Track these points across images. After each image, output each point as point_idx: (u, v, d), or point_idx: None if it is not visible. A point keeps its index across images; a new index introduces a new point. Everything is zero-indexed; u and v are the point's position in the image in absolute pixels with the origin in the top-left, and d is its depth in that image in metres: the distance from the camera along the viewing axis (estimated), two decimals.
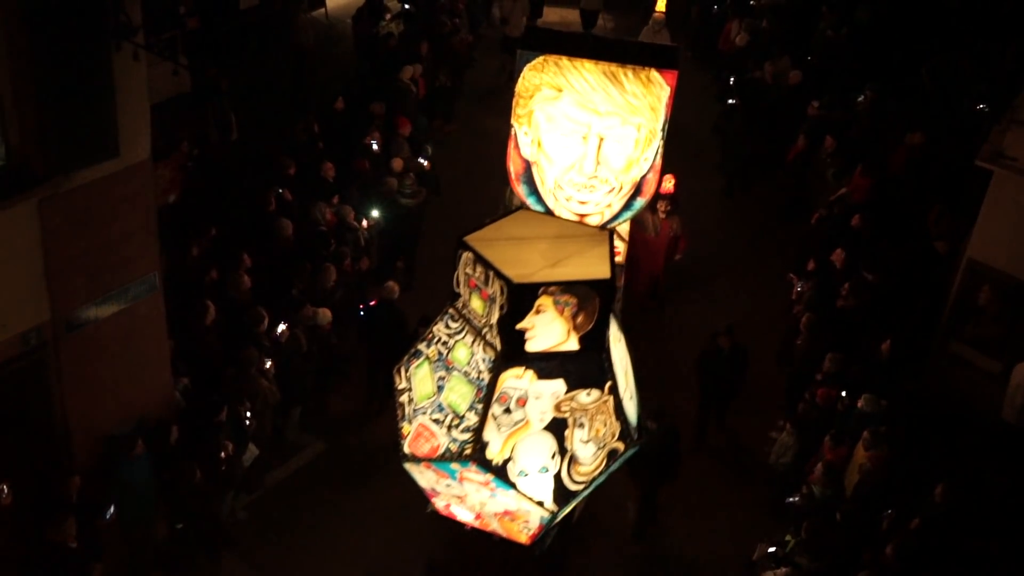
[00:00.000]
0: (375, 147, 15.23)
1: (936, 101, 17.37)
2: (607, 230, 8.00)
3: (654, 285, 15.17)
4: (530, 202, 11.46)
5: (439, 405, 7.61)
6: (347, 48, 19.77)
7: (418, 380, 7.90)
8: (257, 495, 11.97)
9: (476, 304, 7.45)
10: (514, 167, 11.38)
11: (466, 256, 7.44)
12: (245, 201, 13.75)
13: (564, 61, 10.70)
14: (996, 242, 12.93)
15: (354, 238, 13.77)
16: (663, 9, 19.46)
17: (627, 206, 11.25)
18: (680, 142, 18.56)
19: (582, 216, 11.36)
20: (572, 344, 7.35)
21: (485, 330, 7.42)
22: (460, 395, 7.52)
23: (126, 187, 9.88)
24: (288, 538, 11.59)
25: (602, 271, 7.45)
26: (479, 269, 7.31)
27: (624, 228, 12.03)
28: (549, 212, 11.60)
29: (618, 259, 12.23)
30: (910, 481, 11.30)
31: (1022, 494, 11.82)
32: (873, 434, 11.30)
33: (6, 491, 9.46)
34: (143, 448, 10.31)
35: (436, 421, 7.57)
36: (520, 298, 7.09)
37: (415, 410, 7.80)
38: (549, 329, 7.18)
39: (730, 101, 18.88)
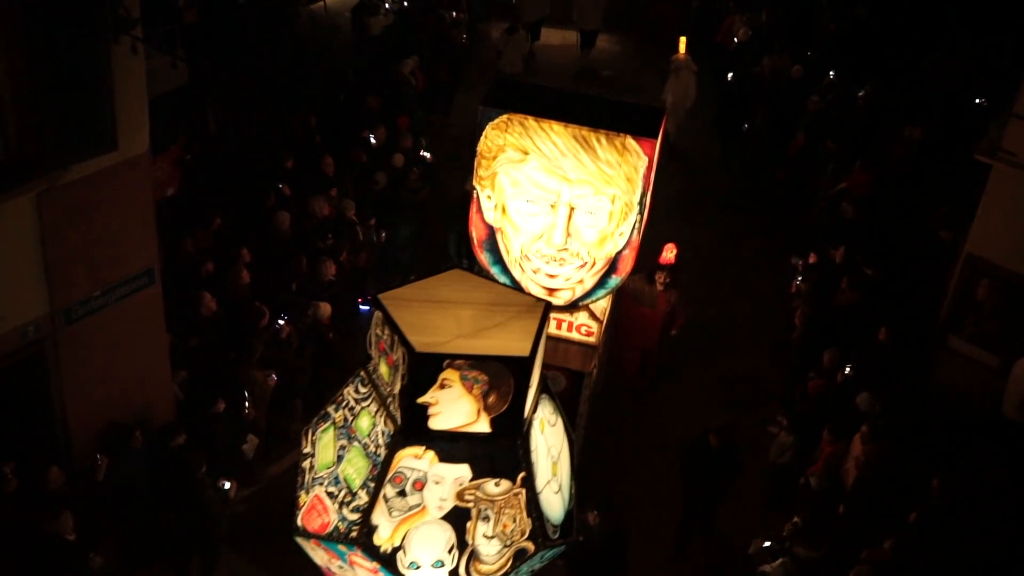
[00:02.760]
0: (372, 140, 15.15)
1: (935, 95, 17.38)
2: (544, 302, 7.00)
3: (645, 363, 13.50)
4: (494, 272, 10.64)
5: (336, 477, 6.85)
6: (346, 41, 19.75)
7: (322, 446, 7.12)
8: (256, 488, 11.99)
9: (383, 370, 6.67)
10: (477, 233, 10.53)
11: (377, 315, 6.66)
12: (243, 194, 13.74)
13: (530, 121, 9.82)
14: (995, 236, 12.71)
15: (351, 232, 13.56)
16: (684, 50, 18.14)
17: (601, 283, 10.44)
18: (678, 137, 18.65)
19: (551, 291, 10.57)
20: (483, 426, 6.45)
21: (389, 400, 6.63)
22: (356, 469, 6.72)
23: (124, 180, 9.72)
24: (286, 531, 11.58)
25: (522, 348, 6.45)
26: (387, 331, 6.52)
27: (598, 306, 11.06)
28: (516, 284, 10.55)
29: (591, 340, 11.13)
30: (908, 475, 11.33)
31: (1020, 487, 11.85)
32: (872, 427, 11.16)
33: (9, 475, 9.30)
34: (141, 440, 10.21)
35: (330, 495, 6.84)
36: (421, 368, 6.22)
37: (314, 479, 7.04)
38: (455, 407, 6.34)
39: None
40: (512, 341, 6.48)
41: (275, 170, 13.91)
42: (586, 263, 10.32)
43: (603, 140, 9.72)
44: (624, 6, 22.16)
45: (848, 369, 12.01)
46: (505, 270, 10.55)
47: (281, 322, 11.71)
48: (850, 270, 13.48)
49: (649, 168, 9.88)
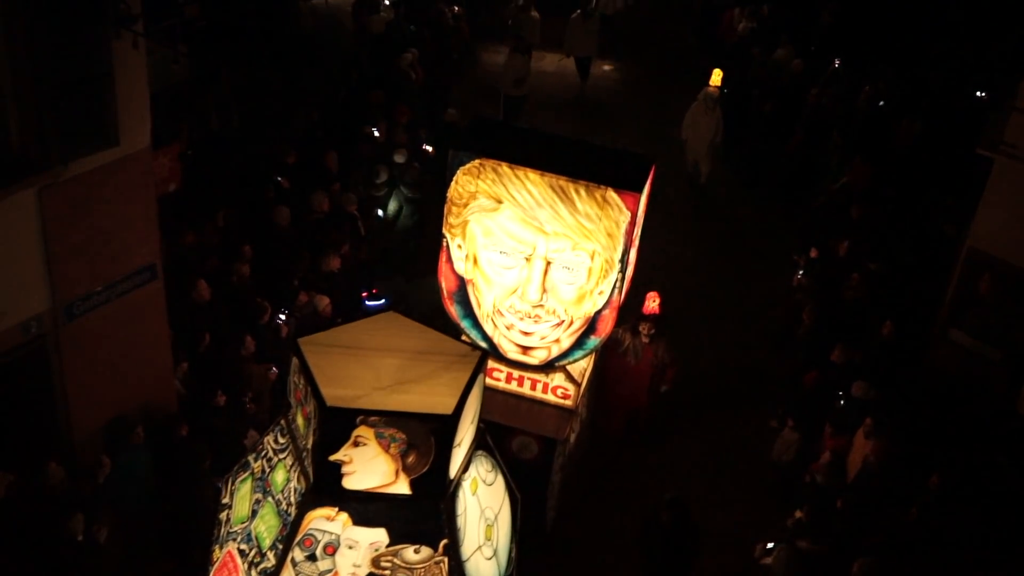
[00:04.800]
0: (376, 134, 15.10)
1: (937, 89, 17.34)
2: (478, 352, 6.33)
3: (633, 419, 12.26)
4: (465, 326, 10.06)
5: (248, 534, 6.33)
6: (347, 36, 19.71)
7: (239, 497, 6.60)
8: None
9: (300, 421, 6.13)
10: (446, 283, 9.89)
11: (295, 362, 6.09)
12: (245, 190, 13.66)
13: (504, 168, 9.13)
14: (997, 230, 12.53)
15: (353, 227, 13.43)
16: (718, 83, 16.64)
17: (579, 344, 9.82)
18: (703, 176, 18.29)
19: (525, 349, 9.96)
20: (402, 487, 5.91)
21: (304, 454, 6.05)
22: (268, 527, 6.19)
23: (126, 176, 9.63)
24: None
25: (446, 404, 5.84)
26: (303, 380, 5.97)
27: (577, 367, 10.34)
28: (487, 339, 9.96)
29: (567, 403, 10.43)
30: (909, 469, 11.30)
31: (1021, 481, 11.82)
32: (875, 422, 11.00)
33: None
34: (143, 436, 10.08)
35: (242, 552, 6.33)
36: (332, 424, 5.71)
37: (228, 533, 6.54)
38: (371, 466, 5.83)
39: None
40: (437, 396, 5.90)
41: (277, 165, 13.89)
42: (563, 321, 9.64)
43: (582, 191, 9.00)
44: (624, 28, 21.53)
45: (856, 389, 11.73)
46: (476, 324, 9.92)
47: (282, 318, 11.66)
48: (855, 265, 13.44)
49: (632, 224, 9.10)
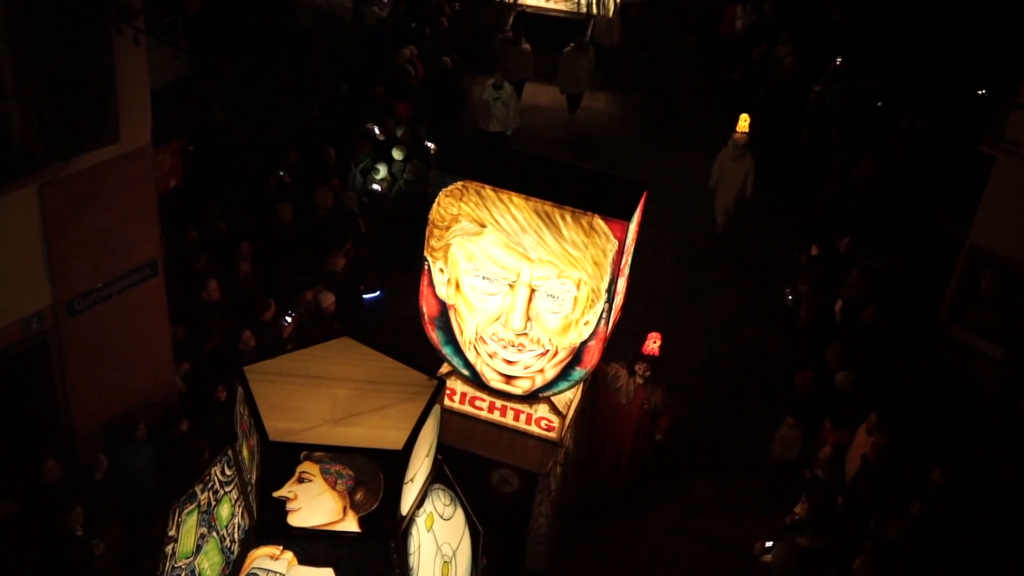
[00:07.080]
0: (377, 132, 15.10)
1: (939, 86, 17.33)
2: (435, 381, 5.96)
3: (618, 461, 11.50)
4: (446, 352, 9.75)
5: (192, 570, 6.07)
6: (347, 31, 19.70)
7: (185, 530, 6.32)
8: None
9: (245, 453, 5.86)
10: (427, 308, 9.58)
11: (240, 392, 5.81)
12: (246, 186, 13.60)
13: (487, 191, 8.81)
14: (999, 227, 12.51)
15: (354, 224, 13.37)
16: (746, 129, 15.26)
17: (563, 375, 9.50)
18: (727, 223, 18.00)
19: (508, 379, 9.63)
20: (350, 525, 5.63)
21: (248, 489, 5.77)
22: (211, 564, 5.87)
23: (127, 172, 9.57)
24: None
25: (396, 439, 5.52)
26: (247, 411, 5.71)
27: (562, 398, 9.96)
28: (470, 367, 9.64)
29: (551, 435, 10.05)
30: (911, 465, 11.31)
31: (1022, 477, 11.83)
32: (879, 418, 10.90)
33: None
34: (144, 433, 10.04)
35: None
36: (274, 459, 5.44)
37: (173, 568, 6.28)
38: (317, 503, 5.55)
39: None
40: (388, 429, 5.60)
41: (279, 162, 13.89)
42: (547, 351, 9.32)
43: (568, 217, 8.65)
44: (621, 59, 20.65)
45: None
46: (458, 351, 9.62)
47: (288, 319, 11.64)
48: (856, 261, 13.44)
49: (619, 253, 8.73)
